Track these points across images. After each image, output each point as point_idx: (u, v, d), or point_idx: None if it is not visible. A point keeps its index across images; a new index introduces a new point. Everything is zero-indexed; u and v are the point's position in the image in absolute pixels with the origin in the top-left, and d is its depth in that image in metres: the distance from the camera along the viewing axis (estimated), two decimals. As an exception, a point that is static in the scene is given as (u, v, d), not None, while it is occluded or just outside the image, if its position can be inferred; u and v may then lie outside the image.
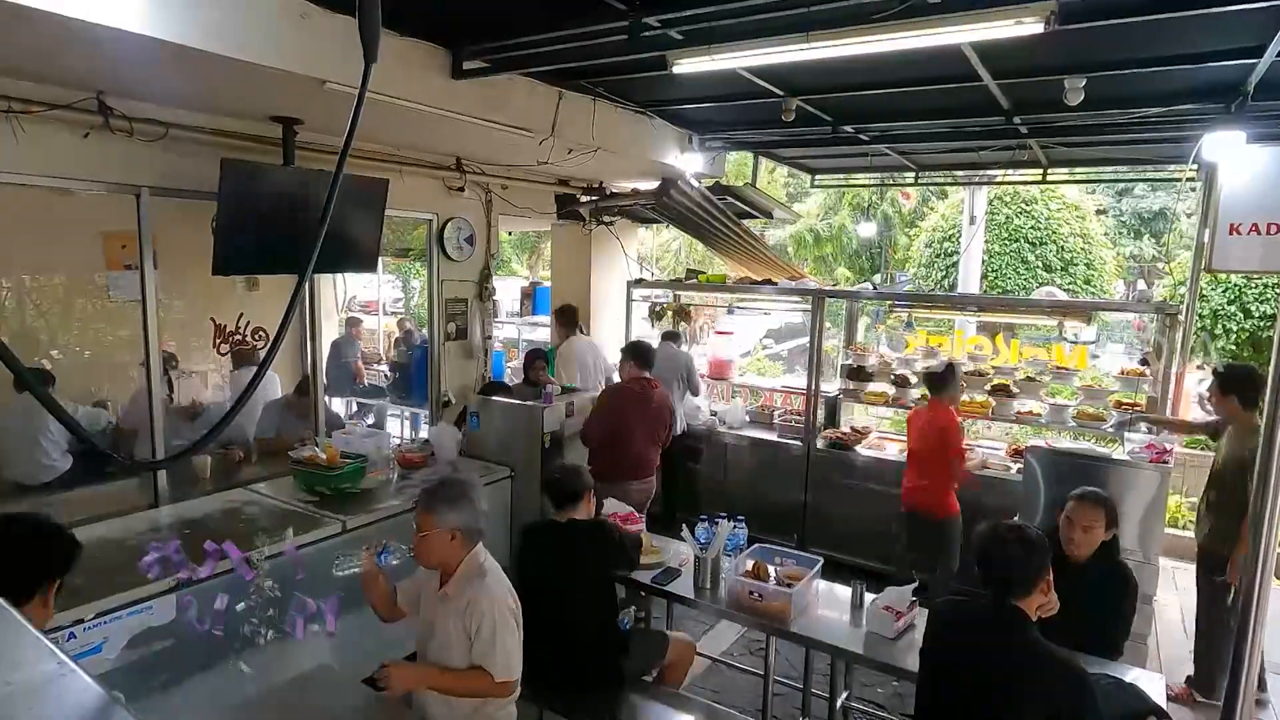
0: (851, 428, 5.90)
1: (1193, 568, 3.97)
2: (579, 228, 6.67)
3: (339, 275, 7.65)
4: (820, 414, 5.75)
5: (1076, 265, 11.04)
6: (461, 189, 5.32)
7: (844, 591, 3.21)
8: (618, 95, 4.70)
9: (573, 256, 6.99)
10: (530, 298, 9.49)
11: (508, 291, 9.78)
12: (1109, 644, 2.83)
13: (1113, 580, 2.85)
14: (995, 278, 11.10)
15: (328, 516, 3.56)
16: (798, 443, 5.64)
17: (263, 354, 5.45)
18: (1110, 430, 4.87)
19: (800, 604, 3.05)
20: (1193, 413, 6.12)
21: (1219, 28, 3.24)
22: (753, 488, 5.79)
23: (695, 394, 6.10)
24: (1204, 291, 7.20)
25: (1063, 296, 7.74)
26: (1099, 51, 3.63)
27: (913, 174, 7.08)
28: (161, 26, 2.48)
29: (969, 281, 10.33)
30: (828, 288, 7.14)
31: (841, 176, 8.21)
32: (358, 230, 4.22)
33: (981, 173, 7.82)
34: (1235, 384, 3.77)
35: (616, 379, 5.18)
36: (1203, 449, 5.67)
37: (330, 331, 7.39)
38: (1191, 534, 4.12)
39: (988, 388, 5.32)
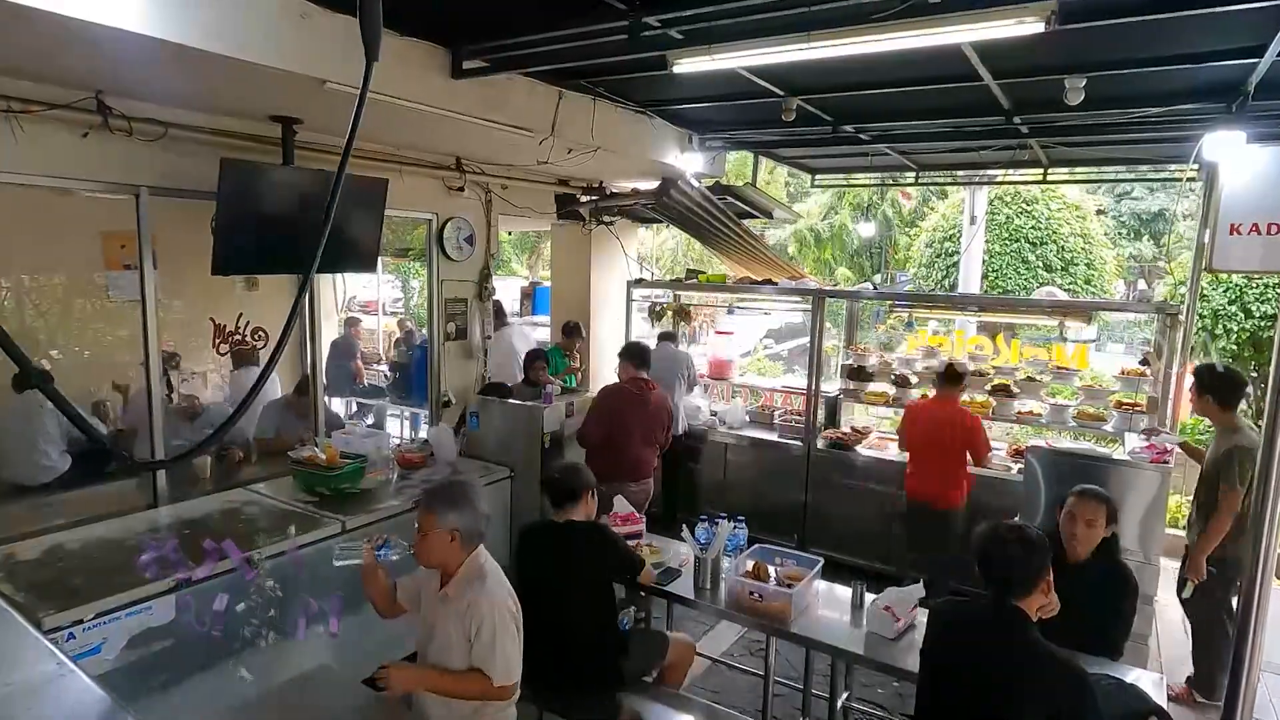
0: (852, 428, 5.90)
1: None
2: (579, 227, 6.67)
3: (339, 275, 7.65)
4: (820, 414, 5.74)
5: (1077, 265, 11.03)
6: (461, 189, 5.32)
7: (844, 592, 3.21)
8: (618, 95, 4.70)
9: (572, 256, 6.99)
10: (530, 298, 9.50)
11: (507, 291, 9.77)
12: (1109, 644, 2.82)
13: (1113, 580, 2.85)
14: (996, 278, 11.10)
15: (327, 517, 3.56)
16: (798, 443, 5.64)
17: (264, 354, 5.45)
18: (1111, 430, 4.87)
19: (800, 604, 3.05)
20: (1192, 411, 6.12)
21: (1219, 27, 3.24)
22: (753, 488, 5.79)
23: (688, 391, 6.10)
24: (1205, 291, 7.19)
25: (1063, 296, 7.74)
26: (1099, 51, 3.62)
27: (913, 174, 7.08)
28: (161, 26, 2.48)
29: (969, 281, 10.32)
30: (828, 288, 7.14)
31: (842, 176, 8.20)
32: (357, 230, 4.22)
33: (982, 173, 7.82)
34: (1210, 384, 3.77)
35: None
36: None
37: (330, 332, 7.39)
38: (1192, 534, 4.12)
39: (988, 388, 5.32)
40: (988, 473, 4.99)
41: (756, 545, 3.41)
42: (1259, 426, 2.88)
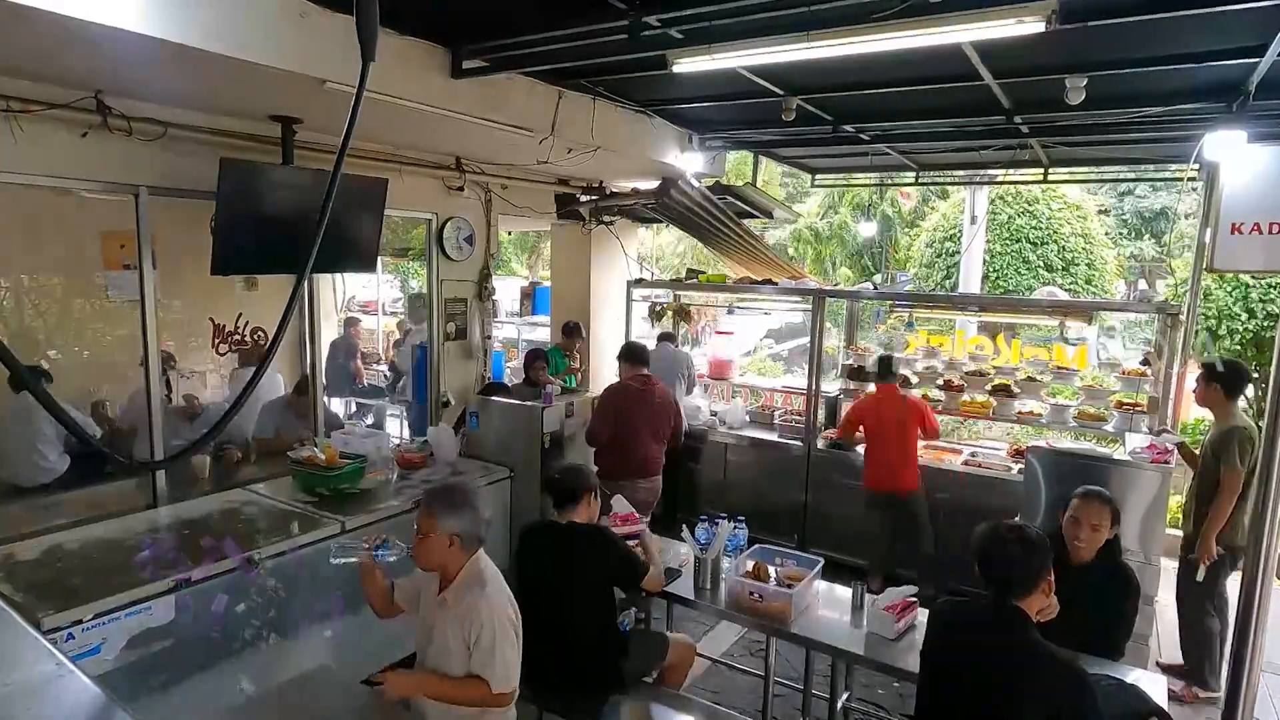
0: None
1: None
2: (579, 227, 6.66)
3: (338, 275, 7.64)
4: (821, 414, 5.74)
5: (1078, 265, 11.03)
6: (461, 188, 5.32)
7: (844, 592, 3.20)
8: (617, 94, 4.69)
9: (572, 256, 6.98)
10: (530, 298, 9.49)
11: (507, 291, 9.78)
12: (1110, 644, 2.82)
13: (1115, 581, 2.84)
14: (996, 278, 11.09)
15: (327, 517, 3.56)
16: (798, 443, 5.64)
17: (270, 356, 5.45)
18: (1111, 430, 4.87)
19: (800, 605, 3.04)
20: (1193, 412, 6.12)
21: (1220, 27, 3.23)
22: (753, 488, 5.78)
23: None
24: (1210, 291, 7.19)
25: (1064, 296, 7.73)
26: (1100, 51, 3.62)
27: (913, 173, 7.07)
28: (160, 26, 2.48)
29: (970, 281, 10.32)
30: (828, 288, 7.13)
31: (842, 176, 8.20)
32: (357, 230, 4.22)
33: (982, 172, 7.81)
34: (1219, 373, 3.83)
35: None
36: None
37: (329, 332, 7.38)
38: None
39: (989, 388, 5.32)
40: (987, 473, 5.01)
41: (756, 545, 3.41)
42: (1260, 426, 2.88)
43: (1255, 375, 6.78)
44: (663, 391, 4.71)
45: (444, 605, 2.39)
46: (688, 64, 3.33)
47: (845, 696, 3.36)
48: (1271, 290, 7.16)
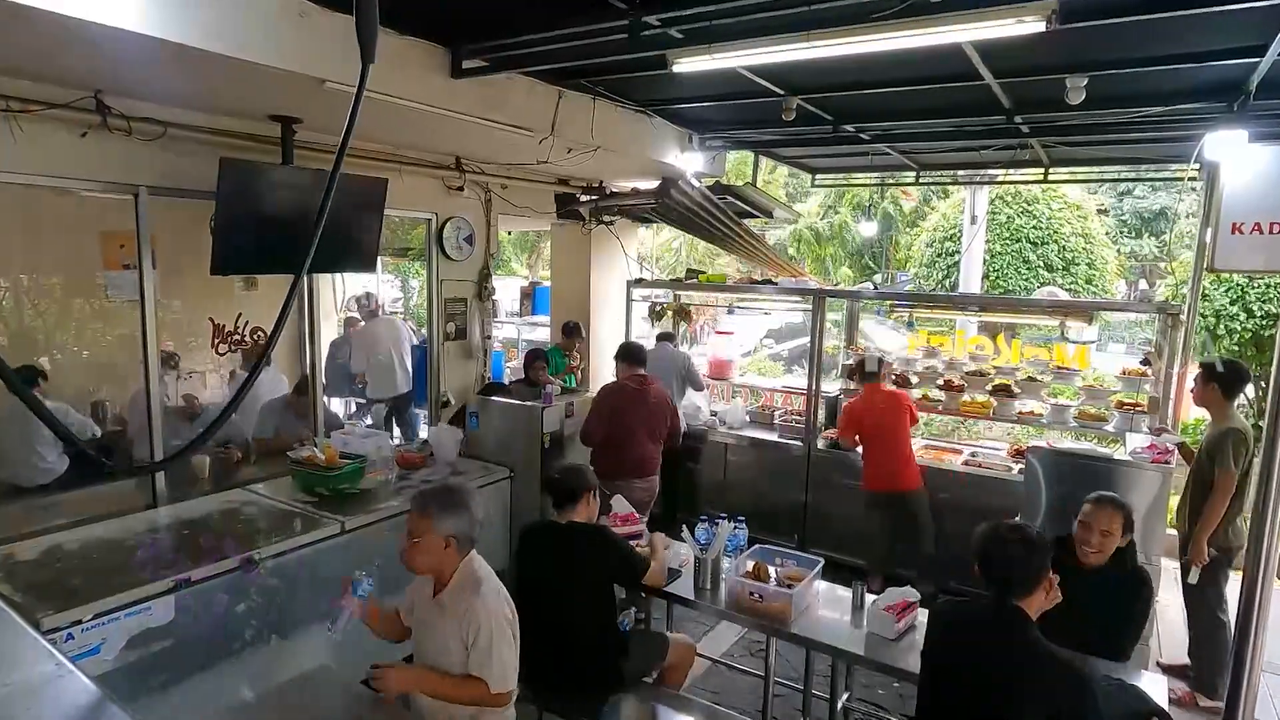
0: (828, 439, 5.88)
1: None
2: (579, 227, 6.66)
3: (338, 275, 7.63)
4: (821, 414, 5.73)
5: (1078, 265, 11.01)
6: (461, 188, 5.32)
7: (844, 592, 3.20)
8: (617, 94, 4.69)
9: (572, 256, 6.98)
10: (530, 297, 9.49)
11: (507, 291, 9.78)
12: (1116, 648, 2.77)
13: (1127, 586, 2.79)
14: (997, 278, 11.08)
15: (326, 517, 3.56)
16: (798, 443, 5.63)
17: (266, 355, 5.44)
18: (1112, 430, 4.86)
19: (801, 605, 3.04)
20: (1193, 412, 6.11)
21: (1220, 26, 3.23)
22: (753, 488, 5.78)
23: (699, 389, 6.11)
24: (1207, 291, 7.18)
25: (1064, 296, 7.73)
26: (1100, 50, 3.62)
27: (914, 173, 7.07)
28: (160, 25, 2.48)
29: (970, 281, 10.31)
30: (828, 287, 7.13)
31: (842, 176, 8.19)
32: (357, 230, 4.21)
33: (983, 172, 7.80)
34: (1218, 373, 3.83)
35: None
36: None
37: (329, 332, 7.38)
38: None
39: (989, 388, 5.32)
40: (988, 473, 5.00)
41: (756, 545, 3.40)
42: (1260, 426, 2.88)
43: (1256, 375, 6.79)
44: (659, 391, 4.70)
45: (441, 607, 2.38)
46: (688, 64, 3.33)
47: (845, 697, 3.36)
48: (1271, 290, 7.15)
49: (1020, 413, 5.21)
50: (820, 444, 5.59)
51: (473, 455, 4.74)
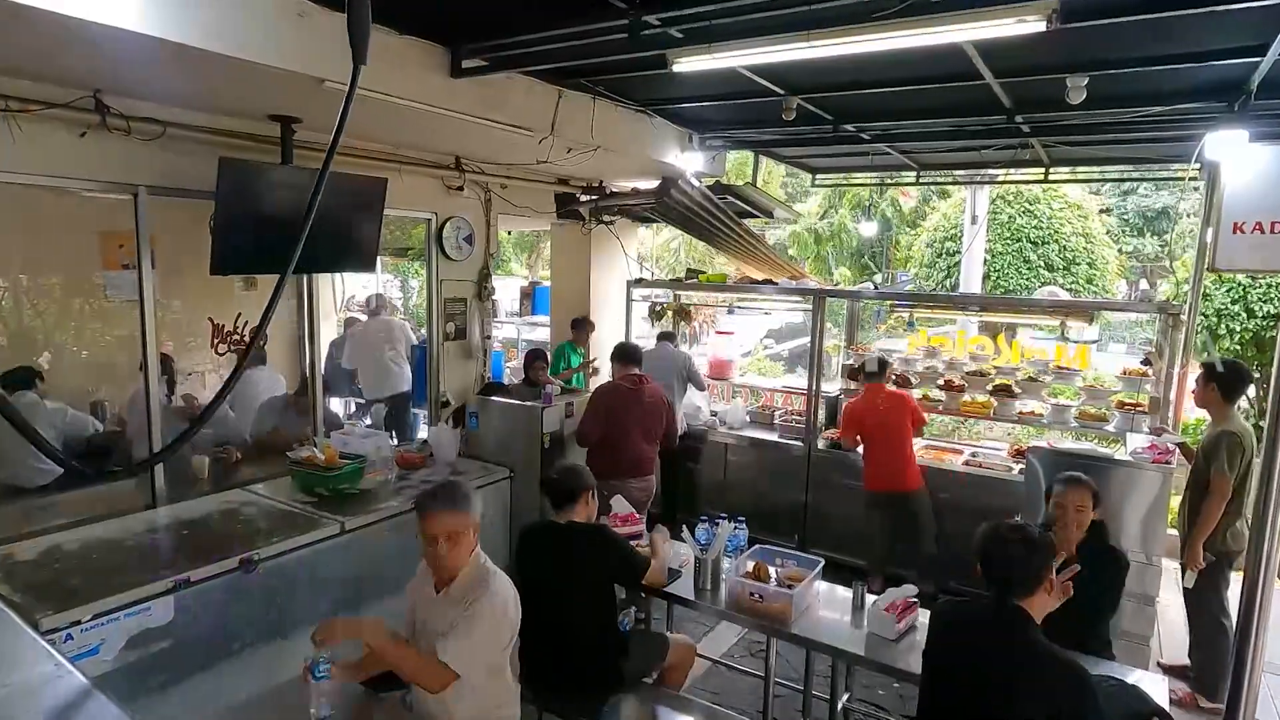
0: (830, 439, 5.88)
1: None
2: (578, 227, 6.66)
3: (337, 275, 7.63)
4: (821, 414, 5.73)
5: (1079, 265, 11.01)
6: (460, 188, 5.31)
7: (845, 593, 3.20)
8: (617, 94, 4.69)
9: (572, 256, 6.98)
10: (529, 297, 9.48)
11: (507, 291, 9.77)
12: (1098, 617, 2.87)
13: (1104, 559, 2.89)
14: (997, 277, 11.08)
15: (326, 517, 3.56)
16: (798, 443, 5.63)
17: (267, 353, 5.44)
18: (1112, 430, 4.86)
19: (801, 605, 3.04)
20: (1194, 412, 6.10)
21: (1221, 26, 3.22)
22: (753, 488, 5.77)
23: (700, 389, 6.10)
24: (1208, 291, 7.17)
25: (1065, 296, 7.72)
26: (1101, 50, 3.61)
27: (914, 173, 7.06)
28: (159, 25, 2.48)
29: (971, 281, 10.31)
30: (828, 287, 7.12)
31: (842, 176, 8.18)
32: (356, 230, 4.20)
33: (983, 172, 7.80)
34: (1218, 373, 3.82)
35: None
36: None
37: (329, 332, 7.37)
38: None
39: (989, 388, 5.31)
40: (988, 473, 5.00)
41: (757, 546, 3.40)
42: (1262, 426, 2.87)
43: (1258, 375, 6.78)
44: (654, 391, 4.70)
45: (448, 600, 2.33)
46: (688, 63, 3.33)
47: (846, 697, 3.35)
48: (1272, 290, 7.15)
49: (1021, 413, 5.21)
50: (820, 444, 5.59)
51: (472, 455, 4.74)
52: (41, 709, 0.89)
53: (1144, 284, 15.90)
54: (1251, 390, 6.46)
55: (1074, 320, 5.52)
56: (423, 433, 6.16)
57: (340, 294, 8.53)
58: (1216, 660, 3.69)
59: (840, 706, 3.30)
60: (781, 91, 4.46)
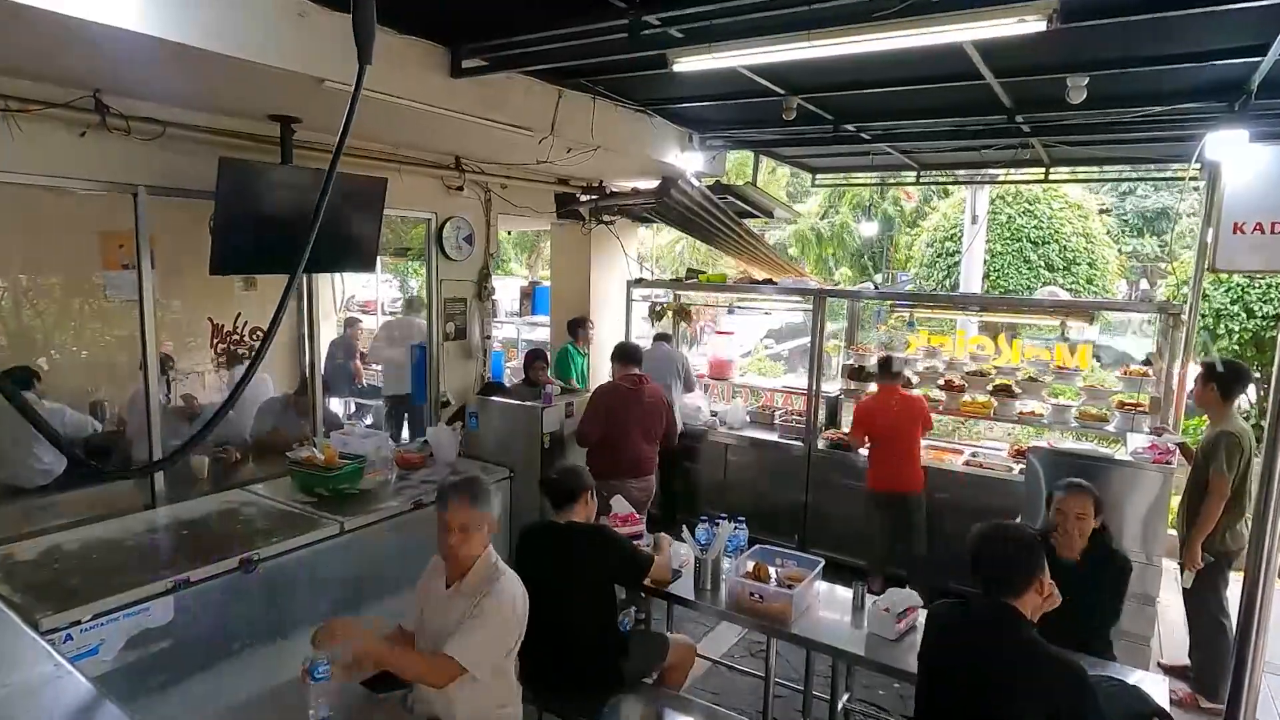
0: (838, 436, 5.87)
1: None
2: (578, 227, 6.65)
3: (337, 275, 7.62)
4: (821, 414, 5.73)
5: (1079, 265, 11.01)
6: (460, 188, 5.31)
7: (845, 593, 3.20)
8: (617, 94, 4.68)
9: (572, 256, 6.97)
10: (529, 297, 9.48)
11: (507, 291, 9.76)
12: (1102, 624, 2.87)
13: (1107, 567, 2.91)
14: (997, 277, 11.08)
15: (325, 517, 3.55)
16: (798, 443, 5.63)
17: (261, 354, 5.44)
18: (1113, 430, 4.85)
19: (801, 605, 3.04)
20: (1194, 402, 6.10)
21: (1222, 26, 3.22)
22: (753, 488, 5.77)
23: (689, 389, 6.08)
24: (1207, 291, 7.17)
25: (1065, 296, 7.72)
26: (1101, 49, 3.61)
27: (914, 173, 7.06)
28: (159, 25, 2.47)
29: (971, 281, 10.31)
30: (829, 287, 7.11)
31: (843, 175, 8.18)
32: (356, 229, 4.20)
33: (983, 172, 7.80)
34: (1217, 373, 3.82)
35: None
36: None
37: (329, 332, 7.37)
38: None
39: (990, 388, 5.31)
40: (989, 473, 5.00)
41: (757, 546, 3.40)
42: (1262, 426, 2.87)
43: (1258, 375, 6.78)
44: (654, 391, 4.70)
45: (458, 595, 2.35)
46: (688, 63, 3.32)
47: (846, 697, 3.35)
48: (1271, 290, 7.15)
49: (1021, 413, 5.21)
50: (821, 444, 5.58)
51: (472, 455, 4.73)
52: (41, 709, 0.89)
53: (1144, 284, 15.89)
54: (1252, 390, 6.46)
55: (1074, 320, 5.52)
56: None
57: (340, 294, 8.52)
58: (1216, 660, 3.69)
59: (840, 707, 3.30)
60: (782, 91, 4.45)
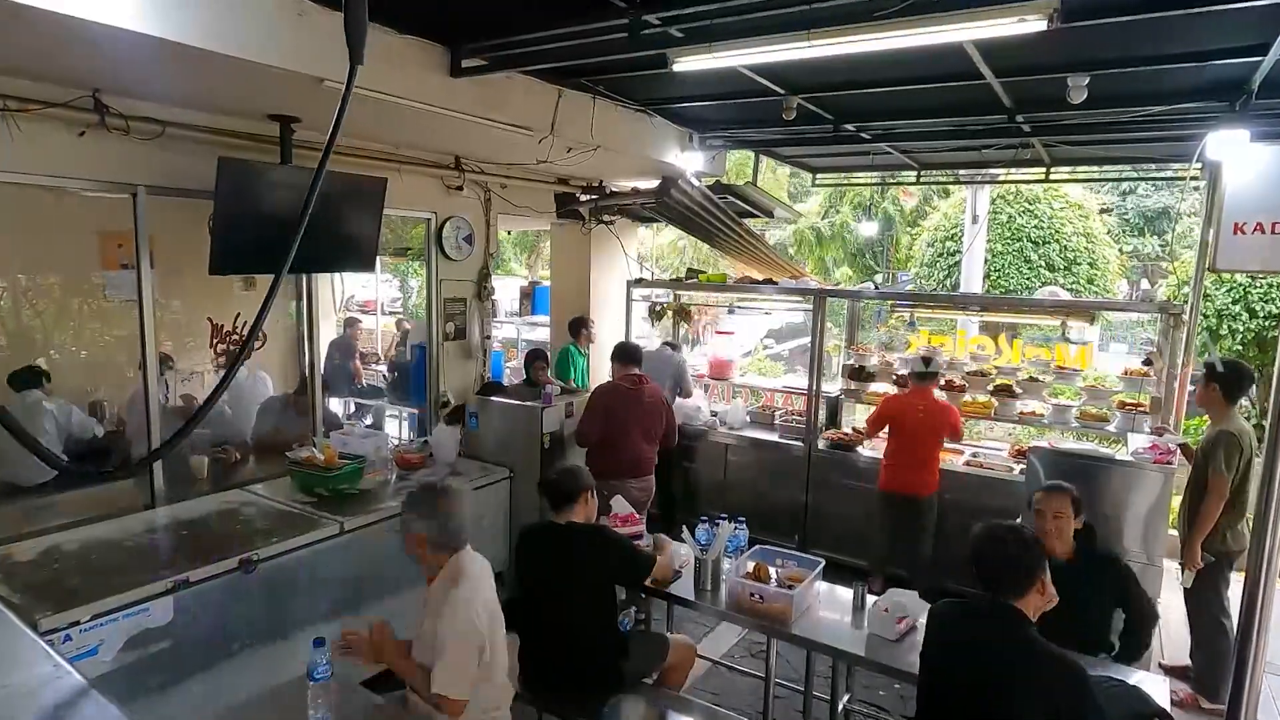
0: (853, 428, 5.88)
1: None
2: (578, 227, 6.65)
3: (337, 275, 7.62)
4: (821, 414, 5.72)
5: (1080, 265, 11.00)
6: (460, 188, 5.31)
7: (845, 593, 3.19)
8: (617, 93, 4.68)
9: (572, 256, 6.97)
10: (529, 297, 9.48)
11: (506, 291, 9.76)
12: (1104, 623, 2.87)
13: (1110, 573, 2.89)
14: (998, 277, 11.07)
15: (325, 517, 3.55)
16: (799, 443, 5.62)
17: (266, 354, 5.43)
18: (1114, 431, 4.85)
19: (801, 606, 3.03)
20: (1196, 402, 6.10)
21: (1223, 25, 3.21)
22: (753, 489, 5.77)
23: (686, 396, 6.06)
24: (1209, 291, 7.17)
25: (1066, 296, 7.72)
26: (1102, 49, 3.60)
27: (914, 173, 7.05)
28: (159, 25, 2.47)
29: (971, 281, 10.30)
30: (829, 287, 7.11)
31: (843, 175, 8.17)
32: (356, 229, 4.20)
33: (984, 171, 7.79)
34: (1220, 373, 3.81)
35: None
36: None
37: (329, 331, 7.36)
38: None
39: (990, 388, 5.30)
40: (989, 473, 4.99)
41: (757, 546, 3.40)
42: (1263, 426, 2.87)
43: (1259, 375, 6.77)
44: (654, 391, 4.69)
45: (429, 600, 2.40)
46: (688, 63, 3.32)
47: (846, 698, 3.35)
48: (1273, 290, 7.14)
49: (1021, 413, 5.20)
50: (821, 444, 5.58)
51: (472, 455, 4.73)
52: (40, 710, 0.88)
53: (1145, 284, 15.88)
54: (1253, 390, 6.45)
55: (1075, 320, 5.52)
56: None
57: (340, 294, 8.52)
58: (1217, 661, 3.69)
59: (841, 707, 3.30)
60: (782, 91, 4.45)
